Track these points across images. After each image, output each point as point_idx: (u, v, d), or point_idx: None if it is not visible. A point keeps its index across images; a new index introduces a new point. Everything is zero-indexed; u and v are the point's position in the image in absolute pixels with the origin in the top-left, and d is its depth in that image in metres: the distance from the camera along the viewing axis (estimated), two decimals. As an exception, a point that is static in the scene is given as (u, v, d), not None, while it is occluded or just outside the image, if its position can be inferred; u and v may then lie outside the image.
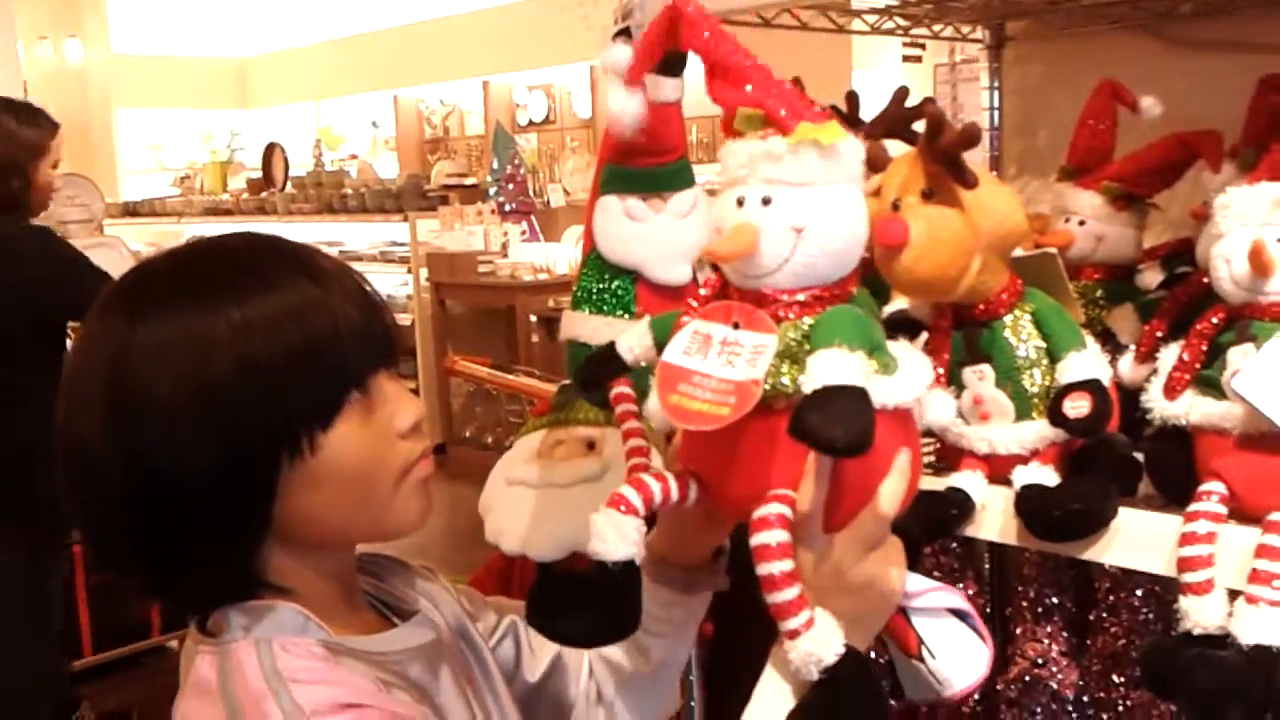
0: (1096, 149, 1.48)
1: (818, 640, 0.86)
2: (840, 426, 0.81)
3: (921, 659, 0.97)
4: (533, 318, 6.37)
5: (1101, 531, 1.08)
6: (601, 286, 1.36)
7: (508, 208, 7.12)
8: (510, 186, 7.18)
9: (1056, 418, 1.09)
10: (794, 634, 0.87)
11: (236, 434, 0.85)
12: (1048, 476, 1.14)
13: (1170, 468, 1.12)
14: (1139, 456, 1.14)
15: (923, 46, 2.09)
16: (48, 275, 3.00)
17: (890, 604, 0.94)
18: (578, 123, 9.02)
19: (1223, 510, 1.04)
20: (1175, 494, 1.11)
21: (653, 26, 0.99)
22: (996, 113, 1.90)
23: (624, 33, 1.34)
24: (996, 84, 1.90)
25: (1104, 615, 1.42)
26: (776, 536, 0.87)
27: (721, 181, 0.95)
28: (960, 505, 1.15)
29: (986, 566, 1.64)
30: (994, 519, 1.15)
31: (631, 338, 1.07)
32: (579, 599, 1.01)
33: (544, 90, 9.21)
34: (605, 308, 1.36)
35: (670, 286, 1.35)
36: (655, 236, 1.34)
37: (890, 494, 0.90)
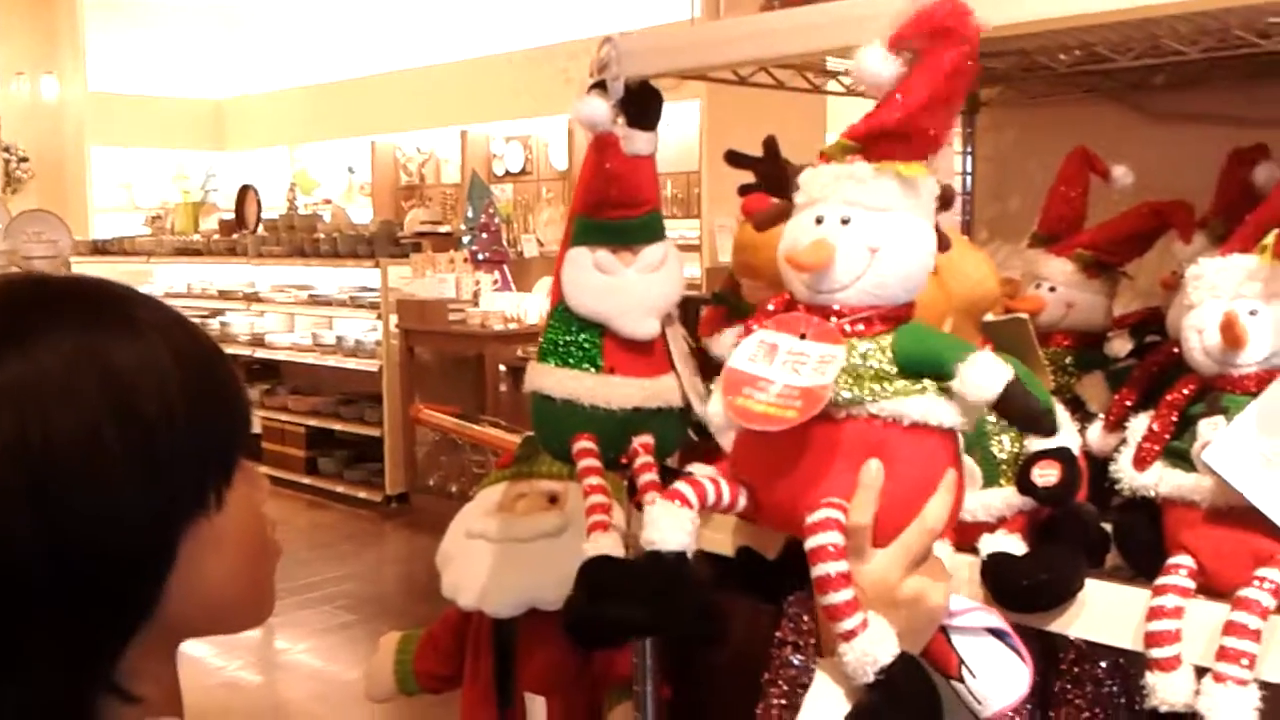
0: (1068, 216, 1.48)
1: (873, 640, 0.87)
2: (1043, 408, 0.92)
3: (961, 679, 0.96)
4: (501, 367, 6.35)
5: (1069, 602, 1.07)
6: (569, 339, 1.34)
7: (481, 256, 7.13)
8: (484, 235, 7.19)
9: (1025, 486, 1.08)
10: (849, 635, 0.87)
11: (158, 479, 0.72)
12: (1015, 545, 1.12)
13: (1139, 540, 1.11)
14: (1107, 527, 1.13)
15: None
16: None
17: (936, 619, 0.94)
18: (554, 174, 9.06)
19: (1191, 585, 1.02)
20: (1143, 566, 1.09)
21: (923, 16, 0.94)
22: (969, 178, 1.91)
23: (599, 85, 1.33)
24: (970, 149, 1.91)
25: (1068, 686, 1.40)
26: (832, 539, 0.89)
27: (800, 203, 0.97)
28: (926, 572, 1.12)
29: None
30: (960, 587, 1.13)
31: None
32: (631, 588, 1.02)
33: (521, 141, 9.26)
34: (571, 360, 1.34)
35: (638, 340, 1.33)
36: (624, 290, 1.33)
37: (937, 510, 0.92)
